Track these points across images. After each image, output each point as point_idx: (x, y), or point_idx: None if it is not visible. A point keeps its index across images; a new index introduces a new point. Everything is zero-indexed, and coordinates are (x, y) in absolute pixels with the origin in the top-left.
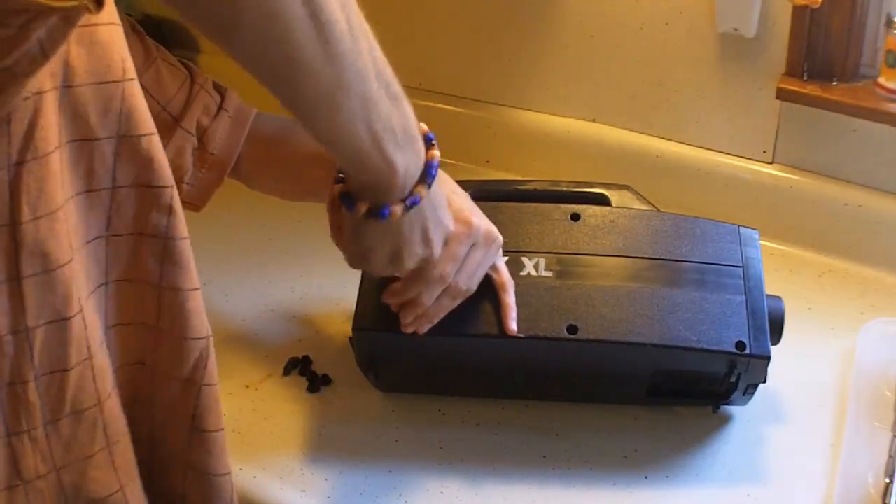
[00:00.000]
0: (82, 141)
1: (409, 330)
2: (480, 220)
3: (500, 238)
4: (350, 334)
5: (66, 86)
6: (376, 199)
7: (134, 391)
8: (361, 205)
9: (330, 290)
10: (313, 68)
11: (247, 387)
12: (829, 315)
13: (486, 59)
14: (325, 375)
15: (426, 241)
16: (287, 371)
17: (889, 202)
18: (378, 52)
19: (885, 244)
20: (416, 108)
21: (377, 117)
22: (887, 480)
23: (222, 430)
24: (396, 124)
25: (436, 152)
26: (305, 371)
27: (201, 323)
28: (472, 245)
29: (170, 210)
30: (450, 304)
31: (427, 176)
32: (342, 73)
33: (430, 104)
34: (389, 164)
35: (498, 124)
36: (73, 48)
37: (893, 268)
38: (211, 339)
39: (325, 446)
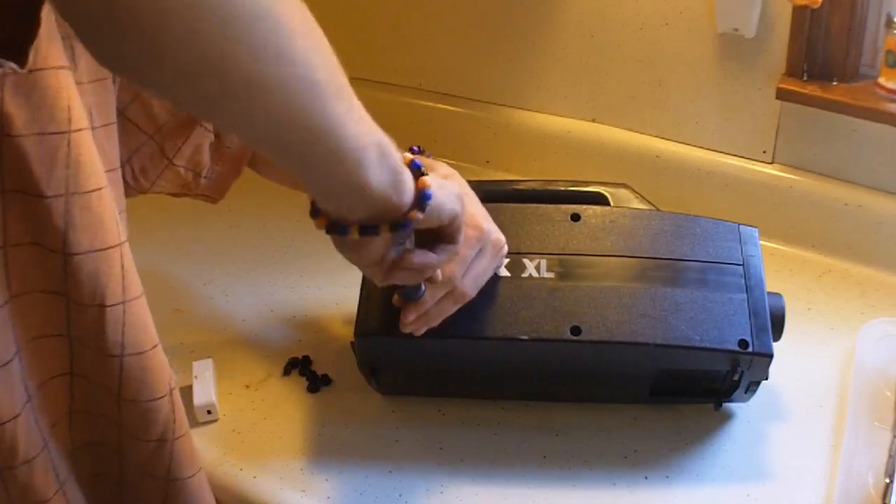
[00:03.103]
0: (25, 194)
1: (408, 330)
2: (490, 225)
3: (506, 247)
4: (351, 339)
5: (5, 134)
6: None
7: (90, 437)
8: (353, 228)
9: (330, 290)
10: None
11: (247, 387)
12: (829, 315)
13: (486, 59)
14: (324, 375)
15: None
16: (287, 371)
17: (889, 202)
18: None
19: (885, 244)
20: (416, 108)
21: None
22: (887, 480)
23: (199, 470)
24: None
25: (427, 180)
26: (305, 371)
27: (162, 377)
28: (480, 250)
29: (122, 269)
30: (450, 308)
31: (420, 205)
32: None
33: (430, 104)
34: (389, 200)
35: (498, 124)
36: (9, 96)
37: (893, 268)
38: (175, 390)
39: (325, 446)
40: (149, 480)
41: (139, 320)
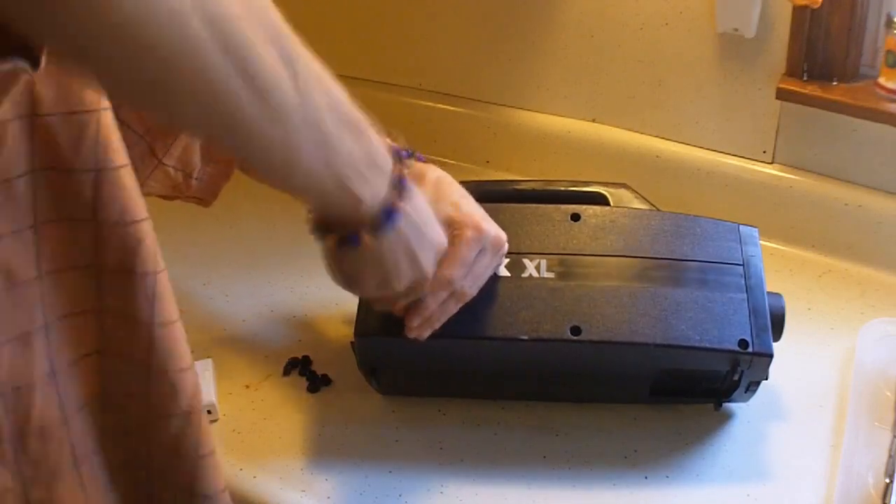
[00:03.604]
0: (55, 170)
1: (413, 334)
2: (490, 225)
3: (507, 245)
4: (351, 339)
5: (35, 114)
6: (346, 228)
7: (119, 423)
8: (330, 236)
9: (330, 290)
10: (260, 134)
11: (247, 387)
12: (829, 315)
13: (486, 59)
14: (324, 375)
15: (413, 262)
16: (287, 371)
17: (889, 202)
18: (332, 85)
19: (885, 244)
20: (416, 108)
21: (338, 159)
22: (887, 480)
23: (213, 450)
24: (359, 158)
25: (405, 169)
26: (305, 371)
27: (186, 349)
28: (481, 250)
29: (152, 240)
30: (452, 309)
31: (400, 194)
32: (291, 133)
33: (430, 104)
34: (355, 198)
35: (498, 124)
36: (39, 77)
37: (893, 268)
38: (193, 364)
39: (325, 446)
40: (177, 460)
41: (166, 292)
